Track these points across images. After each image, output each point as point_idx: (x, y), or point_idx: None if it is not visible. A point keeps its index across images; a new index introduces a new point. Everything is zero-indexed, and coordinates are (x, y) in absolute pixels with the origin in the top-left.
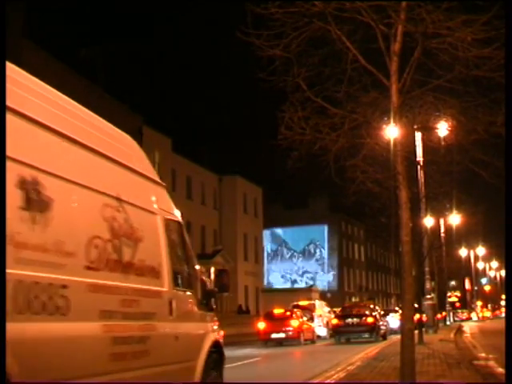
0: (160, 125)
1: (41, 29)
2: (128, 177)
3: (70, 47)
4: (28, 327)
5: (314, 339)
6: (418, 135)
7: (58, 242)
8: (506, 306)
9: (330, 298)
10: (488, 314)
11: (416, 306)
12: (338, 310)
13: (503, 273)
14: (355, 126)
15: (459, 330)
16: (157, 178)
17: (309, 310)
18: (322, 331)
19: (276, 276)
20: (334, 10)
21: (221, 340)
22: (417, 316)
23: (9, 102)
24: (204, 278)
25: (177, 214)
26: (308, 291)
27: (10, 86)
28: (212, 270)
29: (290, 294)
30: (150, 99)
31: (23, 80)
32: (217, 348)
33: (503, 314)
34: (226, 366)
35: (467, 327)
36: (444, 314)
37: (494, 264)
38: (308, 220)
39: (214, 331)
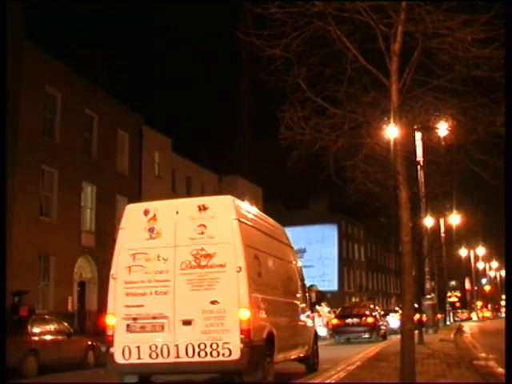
0: (160, 125)
1: (41, 29)
2: (285, 247)
3: (69, 47)
4: (278, 319)
5: None
6: (418, 135)
7: (276, 284)
8: (506, 306)
9: (330, 297)
10: (488, 313)
11: (416, 305)
12: (338, 310)
13: (503, 273)
14: (355, 125)
15: (459, 330)
16: (291, 244)
17: None
18: (322, 331)
19: None
20: (334, 10)
21: (316, 329)
22: (417, 316)
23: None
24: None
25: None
26: (308, 291)
27: (256, 219)
28: None
29: None
30: (150, 99)
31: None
32: (315, 333)
33: (503, 314)
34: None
35: (467, 327)
36: (441, 315)
37: (494, 264)
38: (308, 220)
39: (314, 325)
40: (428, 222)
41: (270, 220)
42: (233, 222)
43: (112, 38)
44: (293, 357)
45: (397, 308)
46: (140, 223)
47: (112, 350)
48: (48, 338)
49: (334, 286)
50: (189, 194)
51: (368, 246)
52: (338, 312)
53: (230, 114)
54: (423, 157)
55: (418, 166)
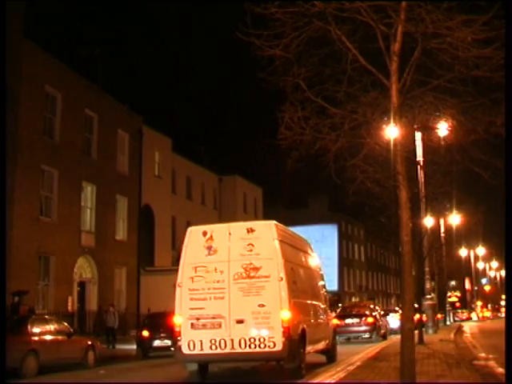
0: (160, 125)
1: (41, 29)
2: (310, 257)
3: (69, 47)
4: (308, 318)
5: None
6: (418, 135)
7: (306, 289)
8: (506, 306)
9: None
10: (488, 314)
11: (416, 305)
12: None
13: (503, 273)
14: (355, 125)
15: (459, 330)
16: (314, 253)
17: None
18: None
19: None
20: (334, 10)
21: (335, 326)
22: (417, 316)
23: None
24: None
25: (320, 266)
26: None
27: (290, 236)
28: None
29: None
30: (150, 99)
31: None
32: (334, 330)
33: (503, 314)
34: (229, 368)
35: (467, 327)
36: (441, 315)
37: (494, 264)
38: (308, 220)
39: (333, 322)
40: (428, 221)
41: (300, 236)
42: (274, 241)
43: (112, 38)
44: (317, 349)
45: (397, 308)
46: (200, 242)
47: (179, 343)
48: (48, 337)
49: (334, 286)
50: (189, 194)
51: (368, 245)
52: (338, 312)
53: (230, 114)
54: (423, 157)
55: (418, 166)
